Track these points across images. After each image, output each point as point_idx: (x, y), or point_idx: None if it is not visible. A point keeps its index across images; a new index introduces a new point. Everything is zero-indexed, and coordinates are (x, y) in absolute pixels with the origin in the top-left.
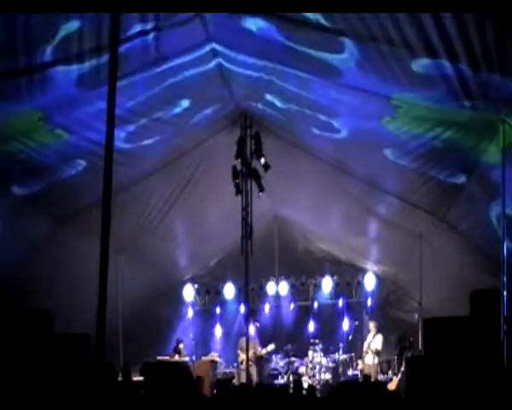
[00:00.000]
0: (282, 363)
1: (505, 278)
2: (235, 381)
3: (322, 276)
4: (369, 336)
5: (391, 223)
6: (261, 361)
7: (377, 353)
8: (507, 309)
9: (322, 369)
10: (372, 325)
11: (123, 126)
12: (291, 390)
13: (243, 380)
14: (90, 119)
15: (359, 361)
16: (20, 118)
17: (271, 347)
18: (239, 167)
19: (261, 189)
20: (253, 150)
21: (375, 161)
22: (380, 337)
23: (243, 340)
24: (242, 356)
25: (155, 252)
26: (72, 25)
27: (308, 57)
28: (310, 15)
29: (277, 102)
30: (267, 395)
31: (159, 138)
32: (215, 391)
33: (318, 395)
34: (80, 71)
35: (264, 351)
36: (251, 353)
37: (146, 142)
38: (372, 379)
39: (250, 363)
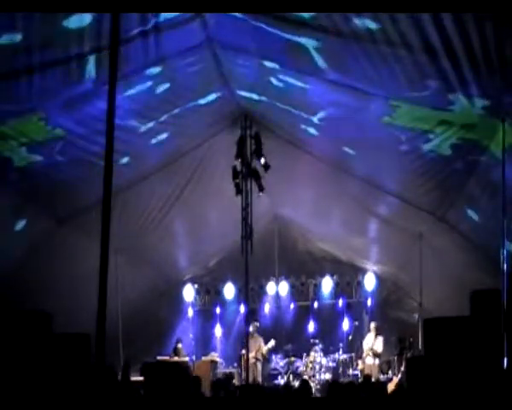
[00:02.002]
0: (282, 363)
1: (505, 278)
2: (234, 381)
3: (322, 276)
4: (370, 337)
5: (391, 223)
6: (264, 360)
7: (378, 356)
8: (507, 309)
9: (322, 369)
10: (373, 326)
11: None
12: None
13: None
14: (90, 119)
15: (359, 361)
16: (20, 118)
17: (272, 343)
18: (239, 167)
19: (261, 189)
20: (253, 150)
21: (374, 162)
22: (380, 340)
23: (249, 341)
24: (249, 355)
25: (155, 252)
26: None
27: (308, 57)
28: (306, 15)
29: (276, 103)
30: (269, 396)
31: (159, 139)
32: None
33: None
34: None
35: (265, 349)
36: (254, 352)
37: (147, 142)
38: (372, 379)
39: (257, 361)
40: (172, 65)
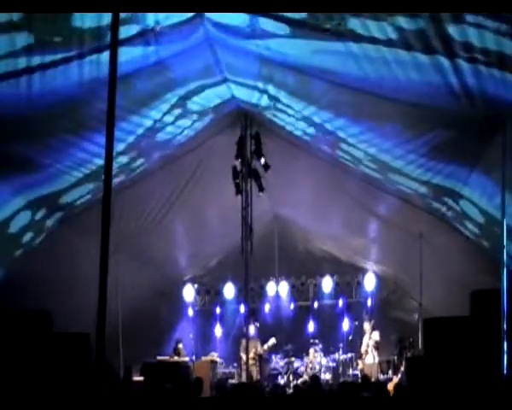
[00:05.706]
0: (282, 363)
1: (505, 278)
2: (234, 381)
3: (323, 276)
4: (366, 338)
5: (391, 223)
6: (262, 359)
7: (377, 347)
8: (507, 309)
9: (322, 369)
10: (366, 325)
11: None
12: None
13: (244, 380)
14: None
15: (359, 361)
16: None
17: (272, 341)
18: (239, 167)
19: (261, 189)
20: (253, 150)
21: (374, 161)
22: (377, 333)
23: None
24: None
25: (155, 252)
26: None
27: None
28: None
29: (275, 104)
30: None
31: (159, 139)
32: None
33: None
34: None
35: (265, 347)
36: (253, 353)
37: (147, 142)
38: (372, 379)
39: (253, 362)
40: (172, 65)
